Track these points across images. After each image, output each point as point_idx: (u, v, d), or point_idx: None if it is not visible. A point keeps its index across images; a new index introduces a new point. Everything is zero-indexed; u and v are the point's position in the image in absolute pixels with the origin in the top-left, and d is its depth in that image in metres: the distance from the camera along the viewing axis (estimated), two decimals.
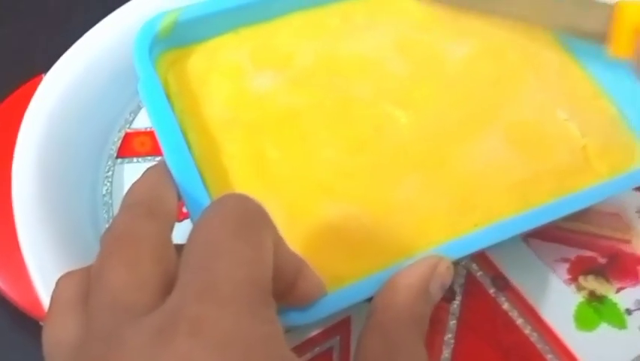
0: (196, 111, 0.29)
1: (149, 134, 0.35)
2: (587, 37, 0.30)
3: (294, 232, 0.26)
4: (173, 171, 0.25)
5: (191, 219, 0.25)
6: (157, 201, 0.23)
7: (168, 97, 0.28)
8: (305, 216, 0.27)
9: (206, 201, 0.25)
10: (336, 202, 0.27)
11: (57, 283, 0.22)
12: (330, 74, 0.30)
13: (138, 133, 0.35)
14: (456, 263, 0.26)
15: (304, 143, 0.28)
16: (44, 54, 0.40)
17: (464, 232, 0.27)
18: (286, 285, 0.23)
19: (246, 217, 0.20)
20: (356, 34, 0.31)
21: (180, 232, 0.33)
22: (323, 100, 0.29)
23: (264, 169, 0.28)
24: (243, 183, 0.27)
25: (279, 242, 0.21)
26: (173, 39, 0.29)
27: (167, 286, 0.20)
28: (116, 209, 0.33)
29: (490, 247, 0.27)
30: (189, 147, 0.27)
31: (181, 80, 0.29)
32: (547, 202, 0.27)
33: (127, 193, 0.24)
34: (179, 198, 0.25)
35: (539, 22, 0.31)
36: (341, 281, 0.25)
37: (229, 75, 0.30)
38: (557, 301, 0.32)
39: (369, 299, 0.25)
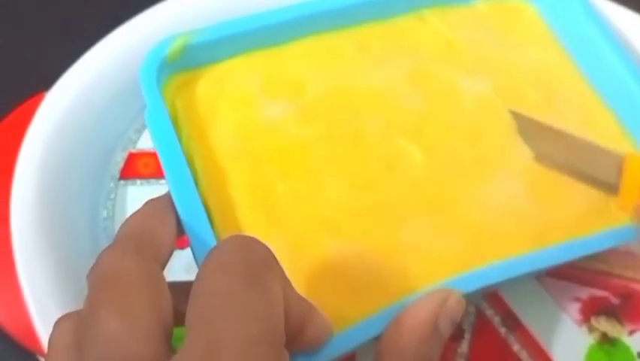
0: (203, 138, 0.28)
1: (154, 155, 0.34)
2: (599, 186, 0.28)
3: (298, 270, 0.25)
4: (178, 207, 0.24)
5: (195, 259, 0.25)
6: (149, 236, 0.22)
7: (175, 122, 0.27)
8: (309, 253, 0.26)
9: (211, 238, 0.24)
10: (341, 240, 0.26)
11: (54, 328, 0.21)
12: (342, 106, 0.29)
13: (142, 154, 0.34)
14: (465, 300, 0.25)
15: (312, 177, 0.28)
16: (45, 63, 0.39)
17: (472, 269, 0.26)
18: (293, 331, 0.21)
19: (253, 264, 0.19)
20: (371, 63, 0.30)
21: (181, 260, 0.33)
22: (333, 132, 0.29)
23: (270, 203, 0.27)
24: (248, 216, 0.26)
25: (286, 286, 0.20)
26: (181, 62, 0.28)
27: (163, 329, 0.19)
28: None
29: (501, 284, 0.26)
30: (195, 176, 0.26)
31: (189, 105, 0.28)
32: (562, 242, 0.27)
33: (122, 225, 0.23)
34: (178, 233, 0.24)
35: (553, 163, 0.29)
36: (345, 321, 0.24)
37: (238, 102, 0.29)
38: (568, 342, 0.31)
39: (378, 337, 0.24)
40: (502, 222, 0.27)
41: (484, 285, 0.25)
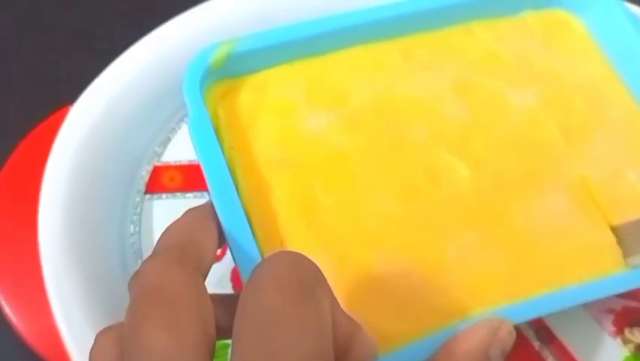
0: (245, 148, 0.27)
1: (180, 168, 0.34)
2: None
3: (342, 285, 0.25)
4: (221, 218, 0.24)
5: (241, 272, 0.24)
6: (192, 247, 0.21)
7: (217, 131, 0.27)
8: (353, 267, 0.26)
9: (254, 251, 0.24)
10: (385, 254, 0.26)
11: (95, 342, 0.21)
12: (386, 115, 0.29)
13: (168, 167, 0.34)
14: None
15: (355, 188, 0.27)
16: (68, 70, 0.39)
17: (522, 294, 0.25)
18: (340, 350, 0.21)
19: (305, 280, 0.19)
20: (415, 73, 0.30)
21: (211, 275, 0.32)
22: (377, 143, 0.28)
23: (313, 215, 0.26)
24: (291, 228, 0.26)
25: (334, 304, 0.20)
26: (224, 70, 0.28)
27: (208, 343, 0.19)
28: (144, 250, 0.32)
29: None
30: (237, 187, 0.25)
31: (231, 114, 0.28)
32: (614, 272, 0.26)
33: (162, 235, 0.22)
34: (220, 244, 0.24)
35: None
36: (389, 340, 0.24)
37: (281, 112, 0.28)
38: (603, 355, 0.30)
39: None
40: (551, 240, 0.27)
41: (536, 316, 0.25)
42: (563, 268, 0.26)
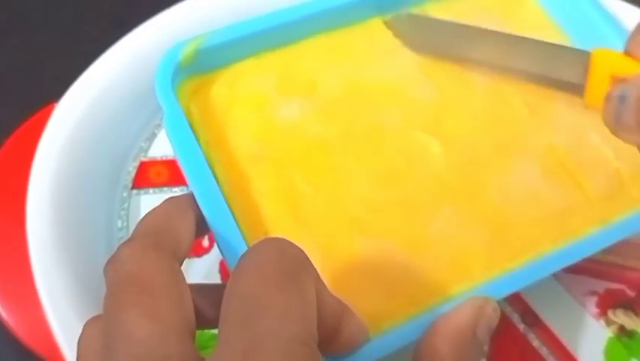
0: (222, 143, 0.28)
1: (166, 163, 0.34)
2: (562, 87, 0.29)
3: (328, 271, 0.25)
4: (205, 212, 0.24)
5: (228, 263, 0.24)
6: (168, 233, 0.22)
7: (192, 128, 0.27)
8: (338, 253, 0.26)
9: (240, 242, 0.24)
10: (369, 238, 0.26)
11: (82, 332, 0.21)
12: (358, 101, 0.29)
13: (154, 162, 0.34)
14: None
15: (334, 176, 0.27)
16: (54, 68, 0.39)
17: (502, 266, 0.26)
18: (329, 333, 0.21)
19: (288, 266, 0.19)
20: (381, 57, 0.30)
21: (199, 268, 0.32)
22: (352, 129, 0.28)
23: (296, 205, 0.27)
24: (275, 220, 0.26)
25: (321, 288, 0.20)
26: (194, 66, 0.28)
27: (189, 329, 0.19)
28: None
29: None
30: (217, 182, 0.26)
31: (204, 110, 0.28)
32: (586, 233, 0.27)
33: (140, 221, 0.22)
34: (198, 234, 0.24)
35: (512, 68, 0.30)
36: (378, 321, 0.24)
37: (254, 105, 0.29)
38: (587, 336, 0.31)
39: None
40: (525, 209, 0.27)
41: (517, 289, 0.25)
42: (538, 234, 0.27)
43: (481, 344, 0.24)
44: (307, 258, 0.20)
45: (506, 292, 0.25)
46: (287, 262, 0.19)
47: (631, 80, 0.25)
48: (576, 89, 0.28)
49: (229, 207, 0.25)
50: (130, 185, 0.33)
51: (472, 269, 0.26)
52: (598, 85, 0.27)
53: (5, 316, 0.30)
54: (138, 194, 0.33)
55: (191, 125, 0.27)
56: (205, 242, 0.32)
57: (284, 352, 0.17)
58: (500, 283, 0.25)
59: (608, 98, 0.25)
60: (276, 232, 0.26)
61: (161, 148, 0.34)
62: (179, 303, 0.19)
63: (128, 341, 0.18)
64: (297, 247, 0.20)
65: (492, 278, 0.25)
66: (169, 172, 0.34)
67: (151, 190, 0.33)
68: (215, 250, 0.32)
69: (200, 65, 0.28)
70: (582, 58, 0.28)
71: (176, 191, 0.33)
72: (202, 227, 0.24)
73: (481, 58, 0.30)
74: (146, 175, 0.34)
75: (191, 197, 0.24)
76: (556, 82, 0.29)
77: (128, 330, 0.18)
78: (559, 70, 0.29)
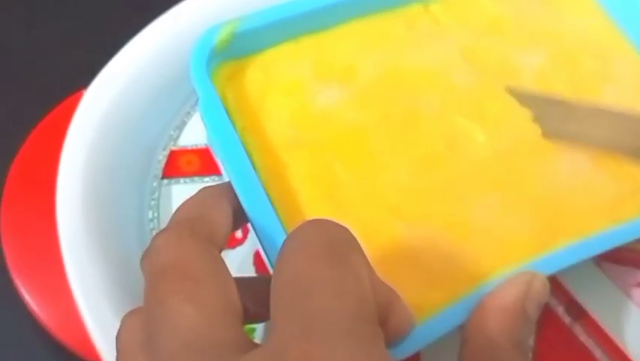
0: (258, 129, 0.27)
1: (197, 152, 0.33)
2: None
3: (369, 257, 0.24)
4: (242, 199, 0.23)
5: (266, 251, 0.23)
6: (203, 221, 0.21)
7: (228, 114, 0.26)
8: (378, 240, 0.25)
9: (278, 228, 0.23)
10: (409, 225, 0.26)
11: (121, 326, 0.20)
12: (396, 87, 0.28)
13: (184, 151, 0.33)
14: None
15: (373, 161, 0.27)
16: (80, 56, 0.38)
17: (547, 251, 0.25)
18: (379, 319, 0.20)
19: (338, 245, 0.18)
20: (421, 42, 0.30)
21: (233, 260, 0.31)
22: (390, 114, 0.28)
23: (333, 191, 0.26)
24: (313, 206, 0.25)
25: (371, 272, 0.19)
26: (229, 51, 0.27)
27: (236, 314, 0.18)
28: None
29: (567, 270, 0.25)
30: (254, 168, 0.25)
31: (240, 96, 0.27)
32: (635, 218, 0.26)
33: (175, 211, 0.22)
34: (235, 226, 0.23)
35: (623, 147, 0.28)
36: (420, 310, 0.23)
37: (291, 90, 0.28)
38: (635, 328, 0.30)
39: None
40: (572, 197, 0.27)
41: (566, 265, 0.24)
42: (585, 223, 0.26)
43: (531, 321, 0.23)
44: (356, 239, 0.19)
45: (553, 269, 0.24)
46: (336, 241, 0.18)
47: None
48: None
49: (266, 193, 0.24)
50: (160, 175, 0.33)
51: (515, 257, 0.25)
52: None
53: (38, 311, 0.29)
54: (169, 184, 0.32)
55: (227, 111, 0.26)
56: (238, 233, 0.31)
57: (345, 329, 0.16)
58: (546, 261, 0.24)
59: None
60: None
61: (192, 137, 0.33)
62: (223, 287, 0.19)
63: (174, 330, 0.17)
64: (343, 227, 0.19)
65: (537, 255, 0.25)
66: (200, 161, 0.33)
67: (182, 180, 0.33)
68: (248, 241, 0.31)
69: (235, 49, 0.28)
70: None
71: (208, 181, 0.33)
72: (238, 219, 0.23)
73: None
74: (177, 164, 0.33)
75: (226, 187, 0.24)
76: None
77: (172, 319, 0.18)
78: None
